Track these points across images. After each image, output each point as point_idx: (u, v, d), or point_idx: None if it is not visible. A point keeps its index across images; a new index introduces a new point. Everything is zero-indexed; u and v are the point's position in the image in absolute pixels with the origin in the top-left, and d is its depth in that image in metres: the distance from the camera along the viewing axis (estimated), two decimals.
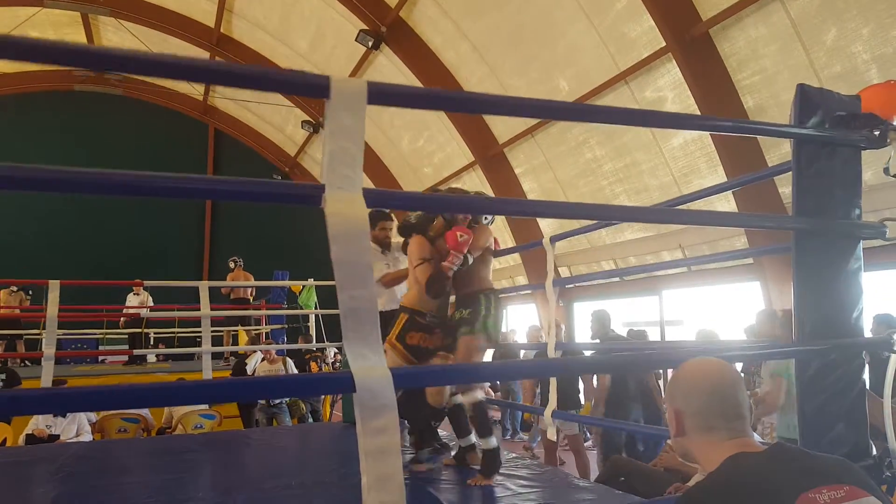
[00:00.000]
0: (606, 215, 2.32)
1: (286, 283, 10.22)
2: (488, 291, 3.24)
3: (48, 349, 5.09)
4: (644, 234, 9.12)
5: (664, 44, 7.21)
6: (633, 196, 9.01)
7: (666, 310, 9.26)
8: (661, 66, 7.59)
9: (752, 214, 5.06)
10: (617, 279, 9.94)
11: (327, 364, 9.25)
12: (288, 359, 7.54)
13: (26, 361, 9.20)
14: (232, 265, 9.93)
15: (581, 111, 2.18)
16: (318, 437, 4.94)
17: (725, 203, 7.45)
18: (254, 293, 10.42)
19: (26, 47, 1.11)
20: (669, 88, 7.70)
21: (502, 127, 10.78)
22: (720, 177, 7.36)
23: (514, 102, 1.77)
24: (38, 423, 5.47)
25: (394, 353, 3.19)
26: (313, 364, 8.59)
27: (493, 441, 3.10)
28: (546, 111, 1.91)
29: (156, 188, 1.25)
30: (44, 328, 6.47)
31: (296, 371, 7.60)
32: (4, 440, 5.49)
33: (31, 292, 10.19)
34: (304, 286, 9.79)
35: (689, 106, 7.36)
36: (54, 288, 5.17)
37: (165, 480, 3.36)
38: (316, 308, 9.49)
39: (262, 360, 7.40)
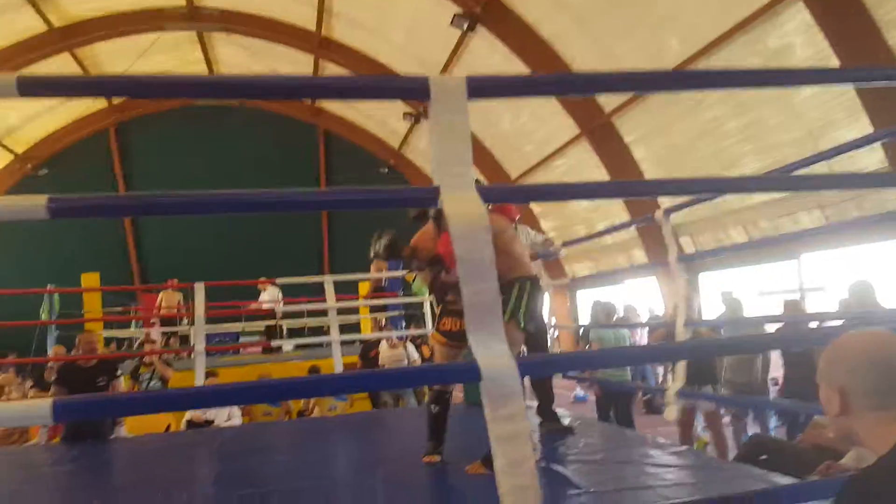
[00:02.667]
0: (729, 188, 2.17)
1: (399, 273, 10.53)
2: (524, 279, 3.01)
3: (199, 344, 5.57)
4: (777, 194, 8.43)
5: None
6: (762, 155, 8.35)
7: (805, 276, 8.52)
8: (786, 9, 6.89)
9: None
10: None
11: None
12: (409, 343, 7.81)
13: (178, 356, 10.16)
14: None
15: (690, 78, 2.04)
16: None
17: (872, 156, 6.69)
18: (388, 282, 10.70)
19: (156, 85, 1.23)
20: (797, 34, 6.99)
21: (607, 94, 10.37)
22: (863, 128, 6.57)
23: (620, 78, 1.69)
24: (195, 410, 6.04)
25: (434, 343, 3.27)
26: (425, 348, 8.83)
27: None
28: (654, 83, 1.79)
29: (289, 203, 1.34)
30: (192, 325, 7.13)
31: (416, 354, 7.88)
32: (168, 426, 6.12)
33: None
34: (416, 275, 10.00)
35: (822, 51, 6.64)
36: (199, 289, 5.65)
37: (309, 459, 3.60)
38: (428, 295, 9.71)
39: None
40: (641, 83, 1.70)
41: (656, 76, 1.62)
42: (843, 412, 1.17)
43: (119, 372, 5.13)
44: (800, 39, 7.00)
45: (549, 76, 1.85)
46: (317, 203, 1.42)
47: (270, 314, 10.40)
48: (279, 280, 6.77)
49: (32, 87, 1.22)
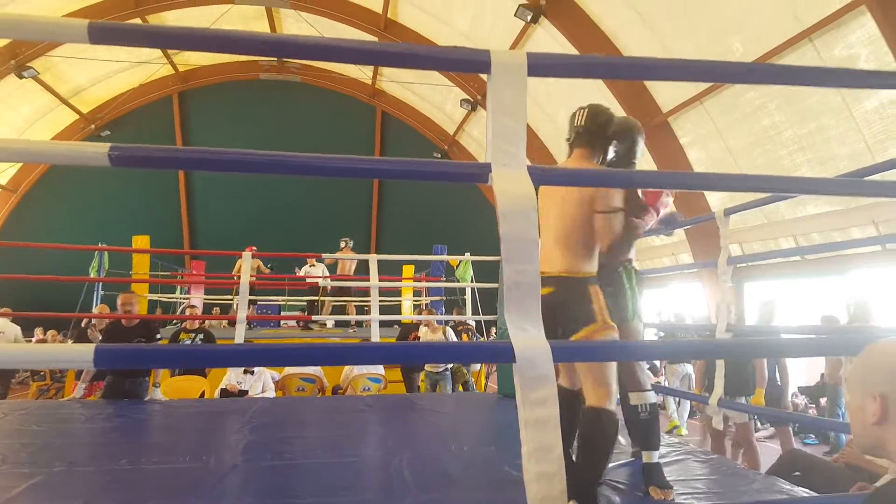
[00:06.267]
0: (789, 188, 2.09)
1: (444, 257, 10.59)
2: (627, 263, 2.72)
3: (241, 312, 5.59)
4: (829, 208, 8.15)
5: None
6: (818, 166, 8.07)
7: (852, 293, 8.21)
8: (853, 20, 6.65)
9: None
10: (797, 257, 9.02)
11: (481, 337, 9.43)
12: (448, 328, 7.81)
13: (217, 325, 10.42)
14: (342, 245, 10.16)
15: (761, 72, 1.97)
16: (474, 406, 5.08)
17: None
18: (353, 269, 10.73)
19: (228, 40, 1.26)
20: (863, 45, 6.75)
21: (666, 94, 10.15)
22: None
23: (680, 66, 1.66)
24: (231, 380, 6.06)
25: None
26: (465, 336, 8.82)
27: (657, 455, 2.60)
28: (712, 73, 1.74)
29: (345, 169, 1.37)
30: (237, 294, 7.29)
31: (456, 340, 7.86)
32: (203, 392, 6.27)
33: (271, 266, 11.34)
34: (461, 260, 10.05)
35: (888, 63, 6.39)
36: (247, 259, 5.76)
37: (338, 436, 3.66)
38: (472, 282, 9.73)
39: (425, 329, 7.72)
40: (696, 72, 1.66)
41: (708, 66, 1.58)
42: (881, 421, 1.11)
43: (159, 336, 5.23)
44: (865, 51, 6.75)
45: (608, 58, 1.82)
46: (367, 171, 1.44)
47: (314, 290, 10.58)
48: (325, 256, 6.81)
49: (102, 34, 1.28)
